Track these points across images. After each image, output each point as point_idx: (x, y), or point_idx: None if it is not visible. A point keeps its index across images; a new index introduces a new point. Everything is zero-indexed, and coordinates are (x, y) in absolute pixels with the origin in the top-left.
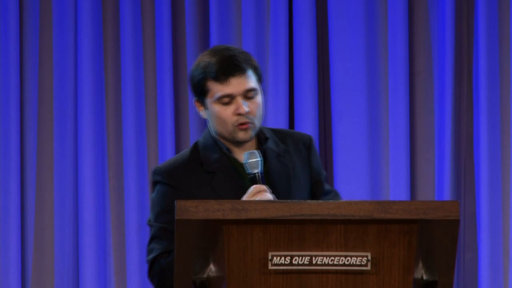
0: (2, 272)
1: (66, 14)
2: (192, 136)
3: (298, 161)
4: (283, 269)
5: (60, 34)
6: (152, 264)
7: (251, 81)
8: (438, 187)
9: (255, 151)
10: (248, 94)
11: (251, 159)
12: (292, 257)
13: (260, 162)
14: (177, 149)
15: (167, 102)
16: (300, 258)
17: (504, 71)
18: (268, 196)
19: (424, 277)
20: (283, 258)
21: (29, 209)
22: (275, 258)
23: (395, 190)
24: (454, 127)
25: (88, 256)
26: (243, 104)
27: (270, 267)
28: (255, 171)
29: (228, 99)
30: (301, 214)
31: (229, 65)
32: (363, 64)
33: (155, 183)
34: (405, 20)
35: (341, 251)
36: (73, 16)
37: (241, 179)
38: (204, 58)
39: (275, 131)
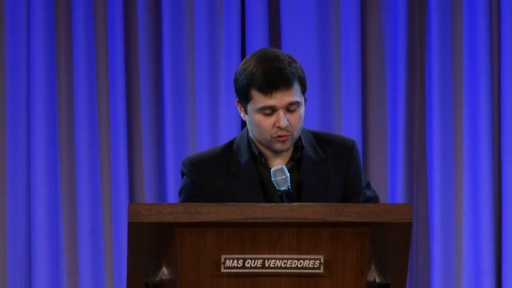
0: None
1: (18, 17)
2: (145, 138)
3: (335, 170)
4: (235, 272)
5: (12, 37)
6: None
7: (295, 94)
8: (390, 190)
9: (282, 166)
10: (290, 108)
11: (278, 177)
12: (244, 260)
13: (287, 178)
14: (130, 152)
15: (119, 105)
16: (253, 261)
17: (456, 74)
18: None
19: (377, 280)
20: (235, 261)
21: None
22: (227, 261)
23: None
24: (406, 130)
25: (40, 258)
26: (284, 118)
27: (222, 270)
28: (283, 188)
29: (269, 111)
30: (254, 217)
31: (275, 78)
32: (316, 67)
33: (182, 174)
34: (358, 23)
35: (294, 254)
36: (25, 18)
37: (262, 186)
38: (251, 64)
39: (317, 136)
